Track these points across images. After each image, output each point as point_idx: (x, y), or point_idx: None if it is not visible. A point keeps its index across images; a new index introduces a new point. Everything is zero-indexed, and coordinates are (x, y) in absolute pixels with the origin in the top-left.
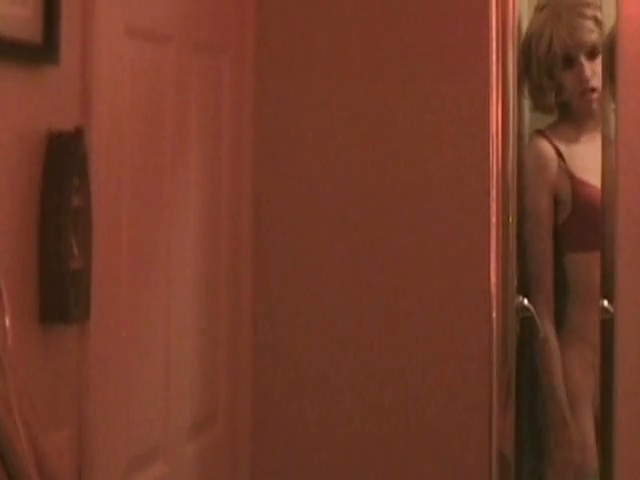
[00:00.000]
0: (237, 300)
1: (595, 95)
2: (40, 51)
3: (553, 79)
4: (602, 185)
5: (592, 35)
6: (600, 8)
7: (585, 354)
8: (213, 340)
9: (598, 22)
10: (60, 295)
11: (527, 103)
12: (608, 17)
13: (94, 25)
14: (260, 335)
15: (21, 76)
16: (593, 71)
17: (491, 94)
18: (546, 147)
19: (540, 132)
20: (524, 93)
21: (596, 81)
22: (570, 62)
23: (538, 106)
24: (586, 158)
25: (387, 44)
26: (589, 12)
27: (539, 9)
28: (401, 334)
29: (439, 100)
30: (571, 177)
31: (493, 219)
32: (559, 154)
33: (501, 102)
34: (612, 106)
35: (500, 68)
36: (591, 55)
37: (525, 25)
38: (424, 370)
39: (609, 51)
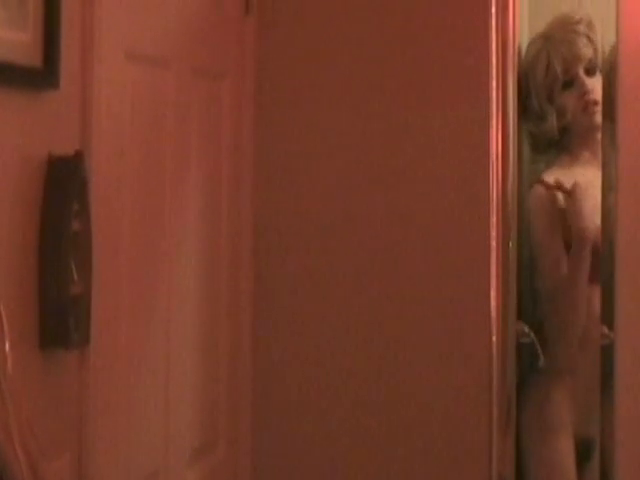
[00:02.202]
0: (237, 325)
1: (597, 108)
2: (40, 76)
3: (553, 102)
4: (602, 213)
5: (588, 50)
6: (591, 28)
7: (566, 382)
8: (213, 365)
9: (591, 40)
10: (60, 320)
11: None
12: (606, 39)
13: (94, 50)
14: (260, 361)
15: (21, 100)
16: (593, 86)
17: (491, 120)
18: (548, 194)
19: (541, 181)
20: (523, 132)
21: (597, 95)
22: (569, 81)
23: (538, 142)
24: (585, 188)
25: (387, 71)
26: (581, 29)
27: (532, 43)
28: (401, 360)
29: (440, 125)
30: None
31: (493, 244)
32: (560, 188)
33: (501, 127)
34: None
35: (500, 94)
36: (589, 71)
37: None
38: (424, 394)
39: (608, 74)
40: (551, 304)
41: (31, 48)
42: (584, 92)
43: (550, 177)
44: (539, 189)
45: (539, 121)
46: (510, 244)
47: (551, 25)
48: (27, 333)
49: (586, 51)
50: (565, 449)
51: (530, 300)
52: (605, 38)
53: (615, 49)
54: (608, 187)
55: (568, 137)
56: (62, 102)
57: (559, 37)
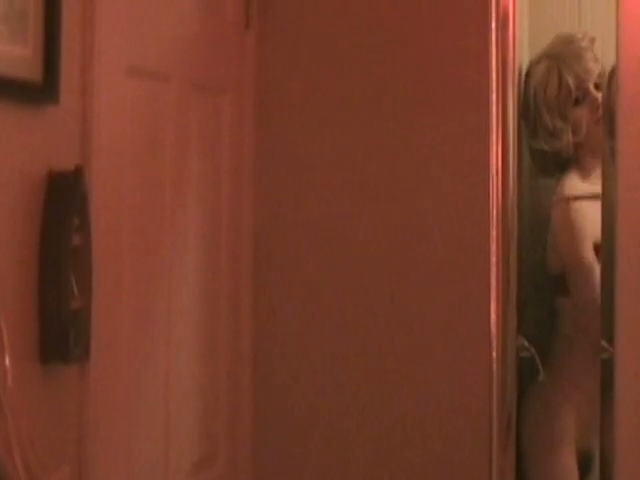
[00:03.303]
0: (237, 339)
1: None
2: (40, 90)
3: (566, 119)
4: (602, 228)
5: (596, 65)
6: (594, 44)
7: (571, 395)
8: (213, 379)
9: (596, 56)
10: (60, 335)
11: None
12: (606, 56)
13: (94, 64)
14: (260, 375)
15: (21, 115)
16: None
17: (491, 133)
18: (574, 207)
19: (564, 198)
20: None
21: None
22: (580, 97)
23: (547, 161)
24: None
25: (388, 84)
26: (587, 45)
27: (536, 63)
28: (401, 375)
29: (440, 139)
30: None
31: (493, 259)
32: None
33: (501, 141)
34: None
35: (500, 108)
36: (597, 86)
37: (526, 66)
38: (424, 409)
39: (608, 91)
40: (582, 316)
41: (31, 63)
42: (597, 106)
43: (571, 190)
44: (564, 205)
45: (552, 139)
46: (510, 258)
47: (555, 43)
48: (27, 347)
49: (594, 66)
50: (569, 464)
51: (532, 315)
52: (605, 55)
53: (615, 66)
54: (608, 203)
55: (581, 152)
56: (62, 117)
57: (568, 53)
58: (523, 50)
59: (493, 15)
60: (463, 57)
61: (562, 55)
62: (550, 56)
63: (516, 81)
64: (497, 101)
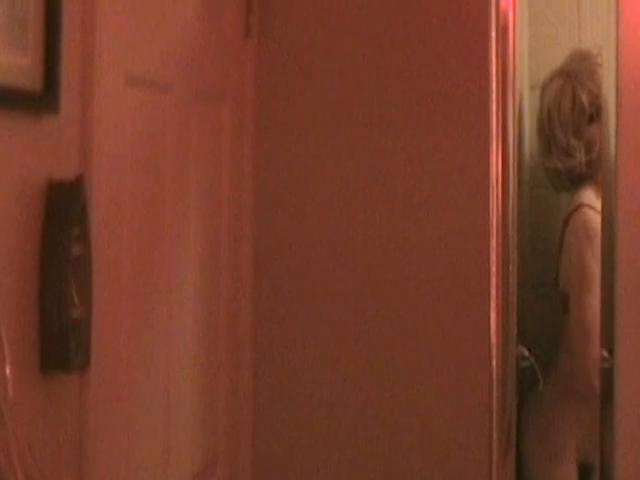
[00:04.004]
0: (237, 349)
1: None
2: (40, 100)
3: (581, 137)
4: (602, 241)
5: None
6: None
7: (572, 405)
8: (214, 389)
9: None
10: (61, 344)
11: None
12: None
13: (94, 74)
14: (260, 385)
15: (21, 125)
16: None
17: (491, 144)
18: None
19: (584, 204)
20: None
21: None
22: (595, 113)
23: (562, 178)
24: None
25: (388, 96)
26: (600, 60)
27: (549, 80)
28: (402, 384)
29: (440, 150)
30: None
31: (493, 269)
32: None
33: (501, 152)
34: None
35: (500, 118)
36: None
37: (526, 78)
38: (424, 419)
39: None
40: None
41: (31, 72)
42: None
43: (589, 200)
44: (587, 212)
45: (565, 157)
46: (510, 268)
47: (570, 60)
48: (28, 357)
49: None
50: (569, 474)
51: (534, 325)
52: (604, 65)
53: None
54: (608, 219)
55: (595, 169)
56: (62, 126)
57: (582, 70)
58: (523, 60)
59: (493, 24)
60: (463, 67)
61: (576, 72)
62: (564, 73)
63: (517, 92)
64: (497, 111)
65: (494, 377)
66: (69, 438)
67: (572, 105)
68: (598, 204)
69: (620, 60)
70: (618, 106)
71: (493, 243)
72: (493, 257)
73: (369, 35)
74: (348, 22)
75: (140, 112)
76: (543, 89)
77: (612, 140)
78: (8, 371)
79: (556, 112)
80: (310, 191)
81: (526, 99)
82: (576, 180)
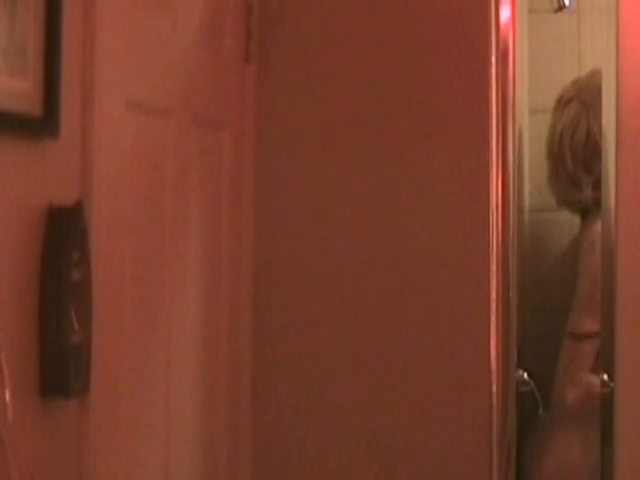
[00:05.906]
0: (236, 372)
1: None
2: (40, 124)
3: (591, 172)
4: (602, 265)
5: None
6: None
7: (570, 432)
8: (213, 412)
9: None
10: (60, 369)
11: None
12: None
13: (94, 99)
14: (259, 403)
15: (21, 149)
16: None
17: (491, 167)
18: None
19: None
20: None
21: None
22: None
23: (568, 201)
24: None
25: (388, 121)
26: None
27: (563, 103)
28: (401, 409)
29: (439, 174)
30: None
31: (493, 293)
32: None
33: (501, 175)
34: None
35: (500, 142)
36: None
37: (526, 102)
38: (424, 445)
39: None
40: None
41: (31, 97)
42: None
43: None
44: (595, 227)
45: (573, 188)
46: (510, 293)
47: (586, 83)
48: (27, 382)
49: None
50: None
51: (535, 349)
52: (604, 88)
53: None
54: (608, 243)
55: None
56: (62, 151)
57: (598, 99)
58: (523, 84)
59: (493, 49)
60: (463, 91)
61: (592, 100)
62: (581, 100)
63: (517, 114)
64: (497, 135)
65: (494, 402)
66: (69, 463)
67: (586, 138)
68: None
69: (620, 83)
70: (618, 128)
71: (493, 267)
72: (493, 281)
73: (369, 61)
74: (348, 48)
75: (140, 137)
76: (556, 109)
77: (611, 167)
78: (8, 396)
79: (568, 140)
80: (310, 215)
81: (526, 124)
82: (584, 210)
